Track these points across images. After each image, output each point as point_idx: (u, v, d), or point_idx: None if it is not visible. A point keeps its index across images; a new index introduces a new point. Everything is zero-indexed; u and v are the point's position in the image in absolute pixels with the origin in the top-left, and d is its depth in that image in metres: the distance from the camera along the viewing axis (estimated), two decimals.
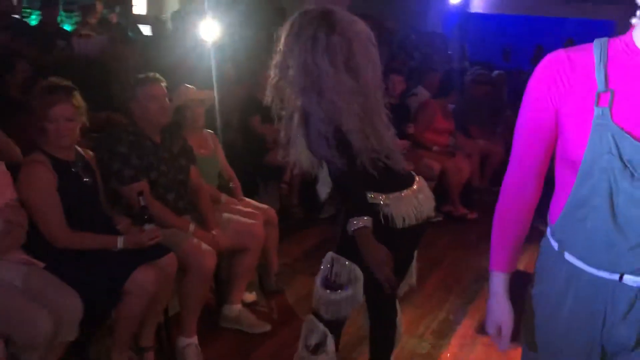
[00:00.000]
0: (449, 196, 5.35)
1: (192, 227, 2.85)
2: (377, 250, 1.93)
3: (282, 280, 3.66)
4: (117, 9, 9.34)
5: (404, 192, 2.09)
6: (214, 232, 2.93)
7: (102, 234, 2.50)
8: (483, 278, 3.99)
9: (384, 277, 1.94)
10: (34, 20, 7.27)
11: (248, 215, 3.21)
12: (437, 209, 5.07)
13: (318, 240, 4.51)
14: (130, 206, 2.75)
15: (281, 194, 4.69)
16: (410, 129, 5.18)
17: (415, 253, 2.32)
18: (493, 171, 6.07)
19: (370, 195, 2.02)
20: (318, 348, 2.09)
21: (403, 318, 2.72)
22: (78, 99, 2.50)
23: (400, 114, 4.88)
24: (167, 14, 8.98)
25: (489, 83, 6.04)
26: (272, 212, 3.44)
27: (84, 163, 2.64)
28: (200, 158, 3.25)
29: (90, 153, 2.75)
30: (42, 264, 2.33)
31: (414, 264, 2.34)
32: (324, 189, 2.16)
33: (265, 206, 3.43)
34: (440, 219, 5.14)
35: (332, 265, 2.07)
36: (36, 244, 2.37)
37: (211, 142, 3.55)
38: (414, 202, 2.09)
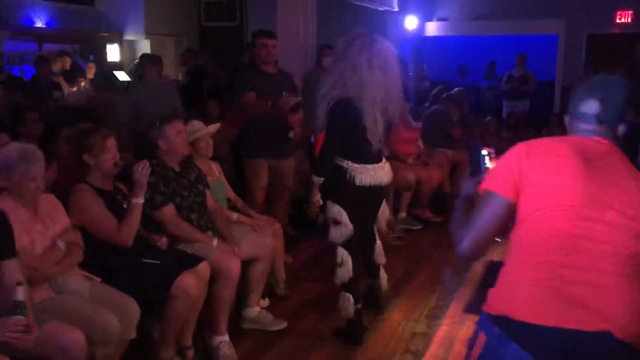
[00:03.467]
0: (420, 201, 5.96)
1: (215, 241, 3.30)
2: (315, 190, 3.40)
3: (289, 287, 4.11)
4: (92, 58, 9.80)
5: (369, 166, 3.32)
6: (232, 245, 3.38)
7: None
8: (463, 269, 4.53)
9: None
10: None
11: (258, 229, 3.66)
12: (412, 213, 5.76)
13: (312, 253, 4.99)
14: (161, 227, 3.20)
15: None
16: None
17: (383, 207, 3.59)
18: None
19: (340, 159, 3.29)
20: (342, 264, 3.38)
21: (399, 308, 3.85)
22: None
23: None
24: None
25: (448, 101, 6.70)
26: (278, 225, 3.91)
27: (121, 193, 3.09)
28: (209, 184, 3.71)
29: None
30: (99, 279, 2.76)
31: (382, 216, 3.61)
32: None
33: (272, 219, 3.90)
34: (420, 226, 5.73)
35: (329, 209, 3.35)
36: (92, 263, 2.80)
37: (216, 170, 4.01)
38: (372, 173, 3.32)
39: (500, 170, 1.67)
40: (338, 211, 3.32)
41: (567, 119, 1.75)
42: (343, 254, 3.38)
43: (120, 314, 2.56)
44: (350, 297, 3.38)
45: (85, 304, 2.54)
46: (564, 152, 1.61)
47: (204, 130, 3.63)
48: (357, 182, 3.29)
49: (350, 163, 3.30)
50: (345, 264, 3.37)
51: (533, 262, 1.60)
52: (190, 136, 3.53)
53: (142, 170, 2.92)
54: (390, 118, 3.35)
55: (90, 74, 8.50)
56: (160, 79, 6.18)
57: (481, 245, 1.67)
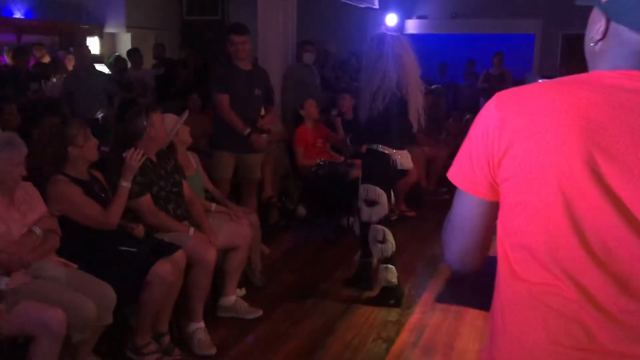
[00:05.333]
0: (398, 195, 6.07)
1: (191, 230, 3.36)
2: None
3: (266, 277, 4.18)
4: (72, 50, 9.74)
5: (402, 151, 3.81)
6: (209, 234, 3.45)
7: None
8: (436, 261, 4.64)
9: None
10: None
11: (235, 219, 3.73)
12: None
13: (290, 245, 5.08)
14: (138, 216, 3.25)
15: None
16: None
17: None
18: (438, 174, 6.79)
19: (381, 147, 3.71)
20: (383, 240, 3.73)
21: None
22: None
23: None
24: (121, 53, 9.46)
25: (429, 94, 6.79)
26: (255, 216, 3.98)
27: (97, 182, 3.14)
28: (187, 176, 3.77)
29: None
30: (76, 265, 2.81)
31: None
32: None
33: (249, 209, 3.97)
34: (396, 217, 5.83)
35: (367, 192, 3.73)
36: (69, 249, 2.85)
37: (193, 162, 4.07)
38: (407, 157, 3.84)
39: (464, 156, 1.11)
40: (379, 193, 3.70)
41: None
42: (384, 231, 3.73)
43: (96, 299, 2.61)
44: (394, 268, 3.77)
45: (62, 289, 2.59)
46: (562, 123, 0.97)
47: (179, 120, 3.69)
48: (399, 167, 3.78)
49: (393, 150, 3.73)
50: (388, 239, 3.73)
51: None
52: (171, 130, 3.59)
53: (135, 156, 3.09)
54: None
55: (70, 66, 8.47)
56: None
57: (470, 254, 1.19)
